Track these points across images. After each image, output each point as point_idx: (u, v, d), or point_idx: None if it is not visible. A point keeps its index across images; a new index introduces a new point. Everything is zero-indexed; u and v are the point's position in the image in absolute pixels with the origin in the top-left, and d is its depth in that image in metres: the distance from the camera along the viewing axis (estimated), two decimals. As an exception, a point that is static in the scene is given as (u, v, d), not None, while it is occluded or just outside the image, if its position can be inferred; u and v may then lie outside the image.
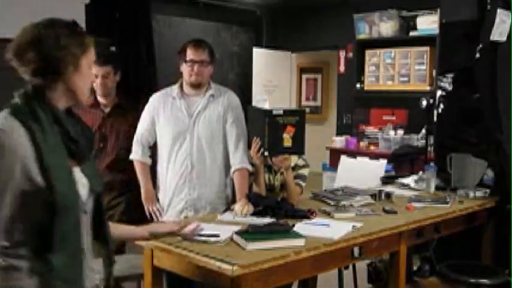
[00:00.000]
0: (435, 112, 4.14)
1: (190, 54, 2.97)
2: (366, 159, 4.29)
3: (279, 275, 2.22)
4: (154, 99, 3.10)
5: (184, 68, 3.00)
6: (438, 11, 4.44)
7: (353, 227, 2.59)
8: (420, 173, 3.84)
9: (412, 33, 5.55)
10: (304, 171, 3.19)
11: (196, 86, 3.02)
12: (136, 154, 3.13)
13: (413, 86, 5.53)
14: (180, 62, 3.03)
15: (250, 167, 3.02)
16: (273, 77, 7.54)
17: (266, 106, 5.03)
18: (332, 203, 3.10)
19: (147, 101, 3.15)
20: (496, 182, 3.67)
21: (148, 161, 3.15)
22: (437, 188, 3.64)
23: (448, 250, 3.71)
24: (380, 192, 3.29)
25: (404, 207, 3.10)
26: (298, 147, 2.97)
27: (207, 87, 3.06)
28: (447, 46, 4.09)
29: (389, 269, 3.04)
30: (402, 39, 5.64)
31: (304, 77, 9.41)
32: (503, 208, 3.53)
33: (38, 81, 1.60)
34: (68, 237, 1.55)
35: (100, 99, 3.38)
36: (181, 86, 3.06)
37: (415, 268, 4.16)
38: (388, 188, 3.56)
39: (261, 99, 6.57)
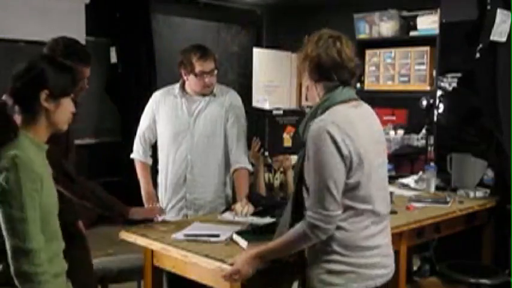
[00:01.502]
0: (435, 112, 4.14)
1: (199, 66, 2.88)
2: (366, 159, 4.28)
3: (279, 275, 2.22)
4: (156, 96, 3.09)
5: (193, 80, 2.92)
6: (438, 11, 4.43)
7: (353, 227, 2.59)
8: (420, 173, 3.84)
9: (412, 33, 5.54)
10: (304, 171, 3.19)
11: (208, 95, 3.01)
12: (137, 154, 3.12)
13: (413, 86, 5.52)
14: (181, 69, 2.95)
15: (250, 167, 3.02)
16: (273, 77, 7.53)
17: (266, 106, 5.02)
18: (332, 203, 3.09)
19: (147, 100, 3.14)
20: (496, 182, 3.67)
21: (149, 160, 3.13)
22: (437, 188, 3.64)
23: (448, 250, 3.71)
24: (380, 192, 3.29)
25: (404, 207, 3.10)
26: (298, 147, 2.97)
27: None
28: (447, 46, 4.09)
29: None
30: (402, 39, 5.63)
31: (304, 77, 9.40)
32: (503, 208, 3.53)
33: None
34: None
35: None
36: (182, 86, 3.05)
37: (415, 268, 4.15)
38: (388, 188, 3.55)
39: (261, 99, 6.56)
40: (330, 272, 1.91)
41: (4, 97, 1.76)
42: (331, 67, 1.90)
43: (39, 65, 1.79)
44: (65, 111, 1.83)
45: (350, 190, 1.88)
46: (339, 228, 1.89)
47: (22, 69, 1.79)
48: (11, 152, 1.67)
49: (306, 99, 2.07)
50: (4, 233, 1.66)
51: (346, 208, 1.89)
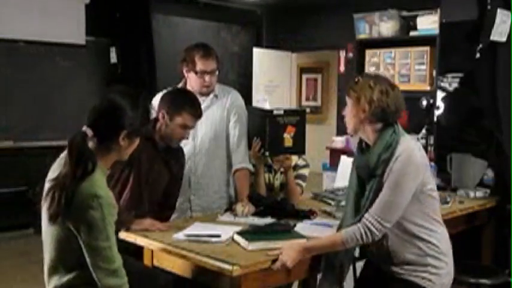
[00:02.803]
0: (435, 112, 4.14)
1: (200, 64, 2.89)
2: (366, 159, 4.28)
3: (279, 275, 2.22)
4: (157, 99, 3.09)
5: (193, 77, 2.93)
6: (438, 11, 4.43)
7: (353, 227, 2.59)
8: (420, 173, 3.83)
9: (412, 33, 5.54)
10: (305, 171, 3.19)
11: (206, 95, 3.00)
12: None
13: (413, 86, 5.53)
14: (183, 67, 2.96)
15: (251, 167, 3.01)
16: (273, 77, 7.53)
17: (266, 106, 5.02)
18: (333, 203, 3.10)
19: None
20: (496, 182, 3.67)
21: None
22: (437, 188, 3.63)
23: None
24: (380, 192, 3.29)
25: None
26: (298, 147, 2.97)
27: None
28: (447, 46, 4.09)
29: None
30: (402, 39, 5.63)
31: (304, 77, 9.41)
32: (503, 208, 3.53)
33: None
34: None
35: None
36: (184, 87, 3.04)
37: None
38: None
39: (261, 99, 6.56)
40: (434, 274, 2.24)
41: (84, 128, 1.89)
42: (392, 113, 2.25)
43: (121, 108, 1.93)
44: (134, 147, 2.03)
45: (432, 190, 2.29)
46: (434, 233, 2.30)
47: (104, 106, 1.95)
48: (93, 192, 1.81)
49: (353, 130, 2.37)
50: (88, 257, 1.82)
51: (433, 213, 2.33)
